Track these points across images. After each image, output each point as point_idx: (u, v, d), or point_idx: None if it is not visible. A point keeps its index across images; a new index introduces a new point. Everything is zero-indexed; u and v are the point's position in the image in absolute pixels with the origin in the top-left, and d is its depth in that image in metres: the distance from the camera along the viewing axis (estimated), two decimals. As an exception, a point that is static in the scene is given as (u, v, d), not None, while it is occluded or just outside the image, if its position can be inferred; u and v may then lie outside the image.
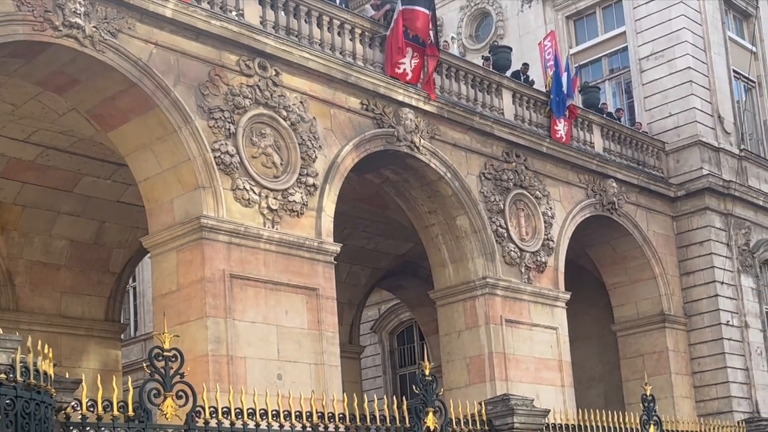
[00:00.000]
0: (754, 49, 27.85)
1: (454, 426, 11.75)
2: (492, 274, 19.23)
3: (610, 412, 14.35)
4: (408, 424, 11.06)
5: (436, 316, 20.22)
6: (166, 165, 15.13)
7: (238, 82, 15.60)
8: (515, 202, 20.13)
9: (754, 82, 27.97)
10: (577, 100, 23.62)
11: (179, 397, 8.78)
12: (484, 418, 12.53)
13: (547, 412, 13.29)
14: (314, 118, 16.60)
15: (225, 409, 9.33)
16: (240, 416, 9.43)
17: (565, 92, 21.56)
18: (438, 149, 18.76)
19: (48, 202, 19.27)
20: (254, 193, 15.36)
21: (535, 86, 22.28)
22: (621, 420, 14.34)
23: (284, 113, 16.05)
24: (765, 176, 26.88)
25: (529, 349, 19.48)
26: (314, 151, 16.37)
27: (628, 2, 26.27)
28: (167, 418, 8.77)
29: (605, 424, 14.08)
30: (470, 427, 12.16)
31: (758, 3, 28.38)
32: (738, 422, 19.00)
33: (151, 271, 16.36)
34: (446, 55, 19.85)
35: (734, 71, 26.76)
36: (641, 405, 14.82)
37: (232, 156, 15.16)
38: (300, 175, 16.05)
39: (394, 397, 11.51)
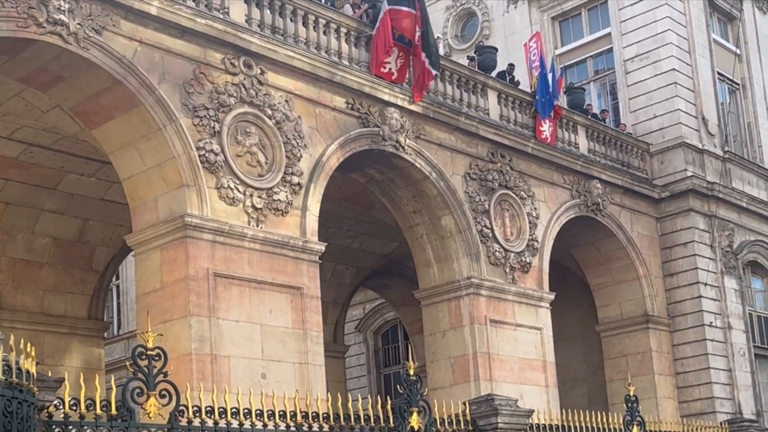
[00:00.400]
0: (738, 51, 27.98)
1: (438, 426, 11.75)
2: (477, 274, 19.24)
3: (593, 412, 14.38)
4: (392, 424, 11.06)
5: (420, 315, 20.22)
6: (150, 163, 15.07)
7: (223, 81, 15.55)
8: (500, 203, 20.14)
9: (738, 84, 28.07)
10: (562, 101, 23.65)
11: (162, 396, 8.76)
12: (468, 418, 12.54)
13: (531, 412, 13.32)
14: (299, 117, 16.57)
15: (208, 409, 9.30)
16: (223, 415, 9.40)
17: (551, 93, 21.58)
18: (423, 149, 18.76)
19: (31, 199, 19.17)
20: (239, 191, 15.32)
21: (520, 87, 22.32)
22: (604, 420, 14.37)
23: (269, 112, 16.01)
24: (748, 178, 26.99)
25: (514, 350, 19.50)
26: (299, 150, 16.34)
27: (613, 4, 26.34)
28: (150, 417, 8.74)
29: (589, 425, 14.11)
30: (454, 427, 12.17)
31: (742, 5, 28.50)
32: (721, 423, 19.08)
33: (134, 270, 16.28)
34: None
35: (719, 73, 26.87)
36: (625, 405, 14.87)
37: (216, 154, 15.11)
38: (285, 174, 16.02)
39: (379, 397, 11.52)
